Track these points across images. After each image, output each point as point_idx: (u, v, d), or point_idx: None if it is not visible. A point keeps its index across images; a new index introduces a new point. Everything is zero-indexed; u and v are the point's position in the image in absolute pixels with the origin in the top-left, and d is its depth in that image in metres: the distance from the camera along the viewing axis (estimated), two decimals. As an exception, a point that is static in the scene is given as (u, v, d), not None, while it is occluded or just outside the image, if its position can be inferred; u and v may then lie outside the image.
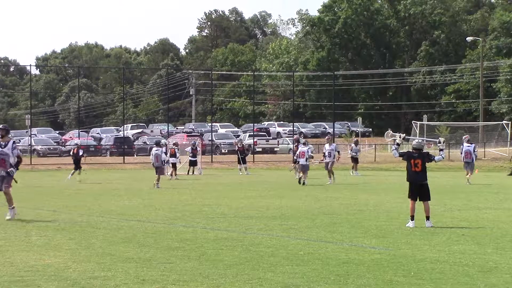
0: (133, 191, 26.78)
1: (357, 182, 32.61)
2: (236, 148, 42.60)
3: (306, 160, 30.15)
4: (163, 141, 34.90)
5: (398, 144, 16.61)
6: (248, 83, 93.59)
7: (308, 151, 30.56)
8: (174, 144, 39.40)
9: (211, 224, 15.64)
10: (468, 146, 31.25)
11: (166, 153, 32.66)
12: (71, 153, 37.27)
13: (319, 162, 40.61)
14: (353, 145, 40.65)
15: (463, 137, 34.28)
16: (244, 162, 41.41)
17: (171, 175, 35.84)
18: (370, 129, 79.51)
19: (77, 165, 34.15)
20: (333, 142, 32.04)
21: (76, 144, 35.97)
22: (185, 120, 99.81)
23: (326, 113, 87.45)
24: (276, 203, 20.83)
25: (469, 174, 30.55)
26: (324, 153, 33.20)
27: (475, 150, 32.00)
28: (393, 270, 10.13)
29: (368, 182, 32.55)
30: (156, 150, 30.20)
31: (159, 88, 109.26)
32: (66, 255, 11.37)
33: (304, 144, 31.54)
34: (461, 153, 31.96)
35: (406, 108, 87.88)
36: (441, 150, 16.77)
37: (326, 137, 35.87)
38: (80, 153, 34.95)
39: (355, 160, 39.85)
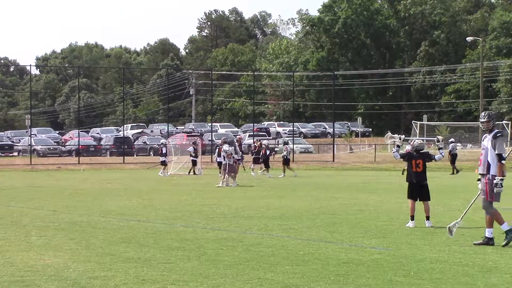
0: (133, 191, 26.77)
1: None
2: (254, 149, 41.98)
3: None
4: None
5: (398, 146, 16.60)
6: (248, 83, 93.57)
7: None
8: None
9: (211, 224, 15.63)
10: None
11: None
12: (261, 153, 38.90)
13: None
14: (286, 146, 39.90)
15: None
16: (256, 162, 40.37)
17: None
18: (370, 129, 79.53)
19: (266, 164, 37.54)
20: (228, 143, 32.15)
21: (265, 145, 37.23)
22: (185, 120, 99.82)
23: (326, 113, 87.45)
24: (276, 203, 20.81)
25: None
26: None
27: None
28: (393, 270, 10.12)
29: (368, 182, 32.55)
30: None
31: (159, 88, 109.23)
32: (66, 255, 11.36)
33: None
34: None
35: (406, 108, 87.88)
36: (440, 148, 16.79)
37: (222, 138, 35.87)
38: (268, 153, 37.23)
39: (287, 161, 39.10)
